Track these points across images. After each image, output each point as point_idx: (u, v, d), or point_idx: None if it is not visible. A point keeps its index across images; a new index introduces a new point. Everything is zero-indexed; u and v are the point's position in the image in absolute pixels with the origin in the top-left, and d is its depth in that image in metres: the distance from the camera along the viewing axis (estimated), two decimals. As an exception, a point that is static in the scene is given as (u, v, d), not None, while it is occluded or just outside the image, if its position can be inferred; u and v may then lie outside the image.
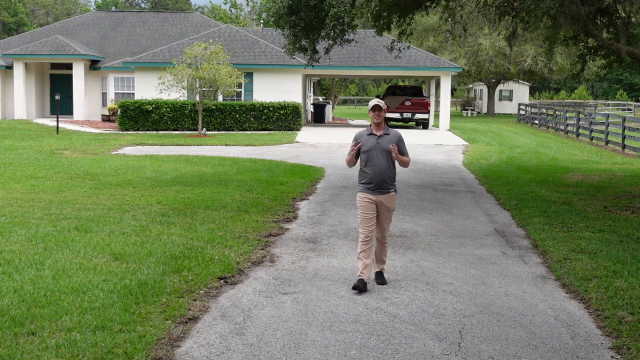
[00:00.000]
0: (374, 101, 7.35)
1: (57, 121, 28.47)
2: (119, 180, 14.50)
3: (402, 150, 7.46)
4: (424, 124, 35.07)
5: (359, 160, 7.52)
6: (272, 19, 15.38)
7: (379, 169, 7.34)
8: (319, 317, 6.31)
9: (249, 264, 8.09)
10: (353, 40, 16.30)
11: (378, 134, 7.42)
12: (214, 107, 30.35)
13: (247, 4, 78.75)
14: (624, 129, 24.96)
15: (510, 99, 63.29)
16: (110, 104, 35.85)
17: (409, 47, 19.54)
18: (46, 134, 27.33)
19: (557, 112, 36.61)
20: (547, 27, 12.39)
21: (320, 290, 7.16)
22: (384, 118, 7.44)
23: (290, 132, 30.19)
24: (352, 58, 33.70)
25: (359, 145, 7.38)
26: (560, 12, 11.79)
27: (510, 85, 62.11)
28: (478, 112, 60.58)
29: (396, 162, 7.50)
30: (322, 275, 7.71)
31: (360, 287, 7.11)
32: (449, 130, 33.54)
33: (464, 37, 43.73)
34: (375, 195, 7.38)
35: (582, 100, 70.67)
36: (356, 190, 7.64)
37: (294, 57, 16.74)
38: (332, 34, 14.56)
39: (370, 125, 7.51)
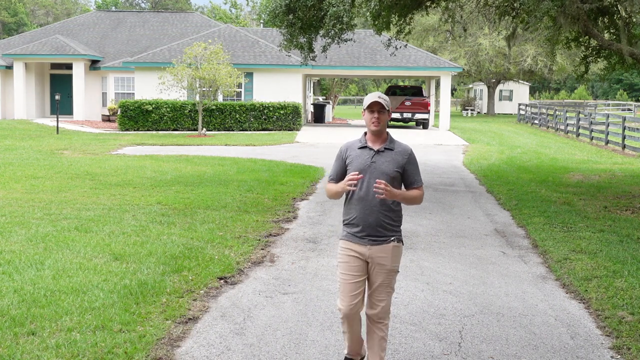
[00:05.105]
0: (373, 96, 4.59)
1: (57, 121, 28.47)
2: (119, 180, 14.50)
3: (411, 177, 4.71)
4: (424, 124, 35.16)
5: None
6: (268, 17, 15.39)
7: (371, 204, 4.59)
8: (319, 317, 6.30)
9: (249, 264, 8.08)
10: (351, 39, 16.33)
11: (375, 148, 4.65)
12: (214, 107, 30.36)
13: (247, 4, 78.82)
14: (624, 129, 24.98)
15: (510, 99, 63.29)
16: (110, 104, 35.86)
17: (406, 46, 19.61)
18: (46, 134, 27.32)
19: (557, 112, 36.62)
20: (548, 28, 12.39)
21: (320, 290, 7.15)
22: (386, 123, 4.66)
23: (290, 132, 30.20)
24: (352, 58, 33.71)
25: (358, 177, 4.52)
26: (561, 12, 11.79)
27: (510, 85, 62.13)
28: (478, 112, 60.59)
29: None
30: (322, 275, 7.70)
31: None
32: (449, 130, 33.58)
33: (464, 37, 43.76)
34: (364, 246, 4.64)
35: (582, 100, 70.70)
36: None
37: (290, 54, 16.76)
38: (331, 32, 14.58)
39: (365, 133, 4.73)
